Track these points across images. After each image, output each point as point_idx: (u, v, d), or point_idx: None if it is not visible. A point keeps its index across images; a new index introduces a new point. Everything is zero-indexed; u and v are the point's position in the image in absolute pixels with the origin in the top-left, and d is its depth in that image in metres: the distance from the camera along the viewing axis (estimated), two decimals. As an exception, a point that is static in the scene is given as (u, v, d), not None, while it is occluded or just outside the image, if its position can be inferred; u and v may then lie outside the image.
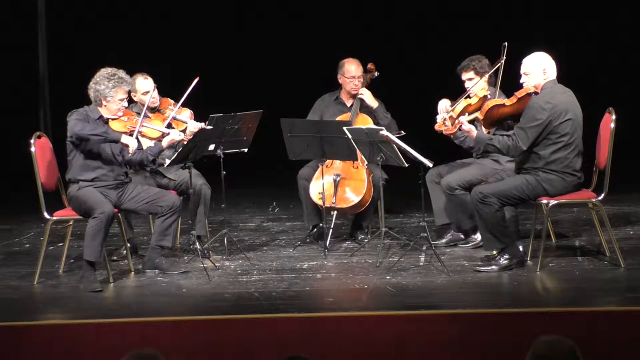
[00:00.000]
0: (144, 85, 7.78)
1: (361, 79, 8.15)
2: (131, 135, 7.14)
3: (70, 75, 7.61)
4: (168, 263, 7.34)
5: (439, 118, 7.33)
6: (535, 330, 5.07)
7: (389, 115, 8.09)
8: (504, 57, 7.15)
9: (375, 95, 8.15)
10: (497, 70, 7.32)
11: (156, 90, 7.77)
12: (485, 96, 7.38)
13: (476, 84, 7.50)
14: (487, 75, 7.56)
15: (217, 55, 11.51)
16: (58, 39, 11.50)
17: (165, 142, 7.28)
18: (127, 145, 7.10)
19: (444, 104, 7.45)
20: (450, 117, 7.32)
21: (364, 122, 7.87)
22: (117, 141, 7.09)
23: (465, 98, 7.39)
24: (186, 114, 7.71)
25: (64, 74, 11.14)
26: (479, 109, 7.34)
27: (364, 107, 8.12)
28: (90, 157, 7.13)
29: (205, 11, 11.71)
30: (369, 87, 8.19)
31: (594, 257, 7.26)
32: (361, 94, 8.12)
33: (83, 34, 11.52)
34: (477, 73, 7.57)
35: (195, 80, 7.41)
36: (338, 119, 8.06)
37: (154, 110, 7.83)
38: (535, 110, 6.82)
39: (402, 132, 7.81)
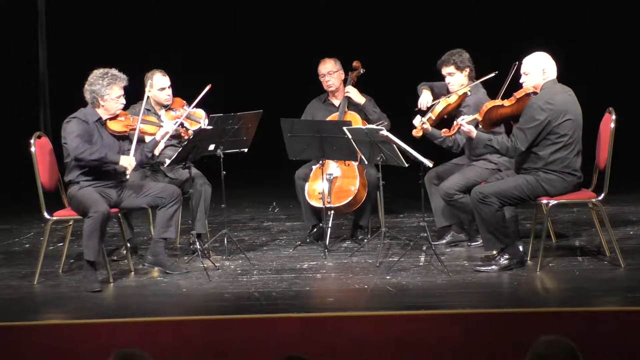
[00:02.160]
0: (161, 82, 7.81)
1: (333, 75, 8.14)
2: (132, 133, 7.17)
3: (70, 75, 7.61)
4: (170, 262, 7.34)
5: (416, 122, 7.32)
6: (535, 330, 5.07)
7: (377, 109, 8.10)
8: (511, 74, 7.11)
9: (369, 92, 8.15)
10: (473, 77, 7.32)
11: (171, 89, 7.80)
12: (465, 94, 7.39)
13: (456, 80, 7.51)
14: (467, 70, 7.56)
15: (217, 55, 11.52)
16: (58, 39, 11.50)
17: (158, 136, 7.26)
18: (125, 168, 7.11)
19: (425, 99, 7.50)
20: (429, 118, 7.33)
21: (353, 120, 7.88)
22: (116, 163, 7.10)
23: (445, 98, 7.40)
24: (201, 114, 7.69)
25: (64, 74, 11.14)
26: (459, 106, 7.36)
27: (352, 105, 8.13)
28: None
29: (204, 11, 11.71)
30: (355, 85, 8.19)
31: (594, 257, 7.26)
32: (347, 92, 8.12)
33: (83, 34, 11.52)
34: (457, 67, 7.56)
35: (207, 88, 7.41)
36: (327, 119, 8.08)
37: (165, 108, 7.84)
38: (534, 110, 6.82)
39: (386, 122, 7.82)
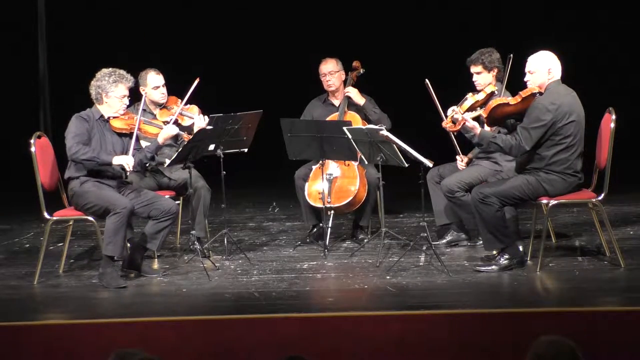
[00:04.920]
0: (155, 80, 7.83)
1: (334, 75, 8.15)
2: (131, 133, 7.17)
3: (70, 75, 7.62)
4: (148, 266, 7.36)
5: (448, 113, 7.33)
6: (535, 330, 5.07)
7: (378, 109, 8.10)
8: (509, 67, 7.11)
9: (367, 92, 8.16)
10: (502, 77, 7.33)
11: (165, 87, 7.81)
12: (492, 92, 7.37)
13: (483, 80, 7.50)
14: (495, 71, 7.55)
15: (217, 55, 11.52)
16: (58, 39, 11.50)
17: (160, 138, 7.26)
18: (120, 166, 7.11)
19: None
20: (458, 113, 7.34)
21: (353, 120, 7.88)
22: (109, 164, 7.08)
23: (472, 95, 7.39)
24: (194, 110, 7.71)
25: (64, 74, 11.15)
26: (485, 104, 7.34)
27: (352, 105, 8.13)
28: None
29: (204, 10, 11.71)
30: (355, 85, 8.19)
31: (594, 257, 7.26)
32: (347, 92, 8.13)
33: (83, 34, 11.52)
34: (485, 67, 7.55)
35: (196, 82, 7.42)
36: (327, 119, 8.08)
37: (160, 107, 7.85)
38: (539, 111, 6.80)
39: (384, 126, 7.83)
